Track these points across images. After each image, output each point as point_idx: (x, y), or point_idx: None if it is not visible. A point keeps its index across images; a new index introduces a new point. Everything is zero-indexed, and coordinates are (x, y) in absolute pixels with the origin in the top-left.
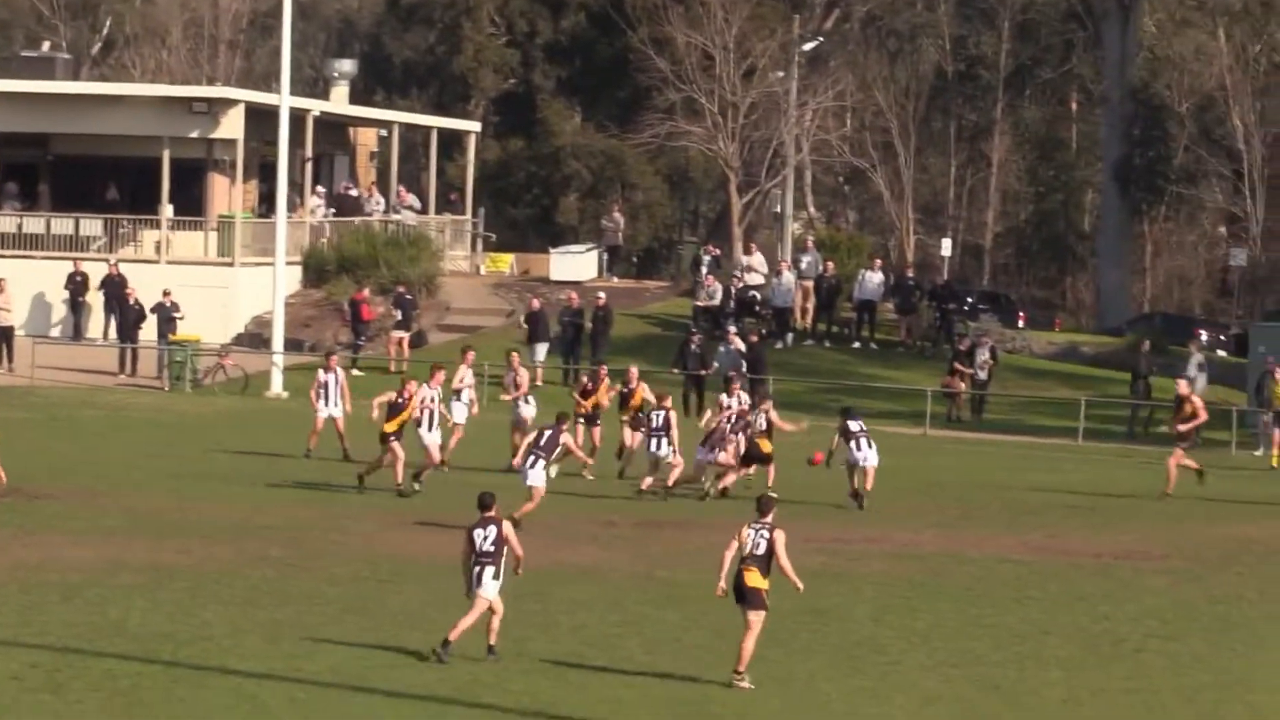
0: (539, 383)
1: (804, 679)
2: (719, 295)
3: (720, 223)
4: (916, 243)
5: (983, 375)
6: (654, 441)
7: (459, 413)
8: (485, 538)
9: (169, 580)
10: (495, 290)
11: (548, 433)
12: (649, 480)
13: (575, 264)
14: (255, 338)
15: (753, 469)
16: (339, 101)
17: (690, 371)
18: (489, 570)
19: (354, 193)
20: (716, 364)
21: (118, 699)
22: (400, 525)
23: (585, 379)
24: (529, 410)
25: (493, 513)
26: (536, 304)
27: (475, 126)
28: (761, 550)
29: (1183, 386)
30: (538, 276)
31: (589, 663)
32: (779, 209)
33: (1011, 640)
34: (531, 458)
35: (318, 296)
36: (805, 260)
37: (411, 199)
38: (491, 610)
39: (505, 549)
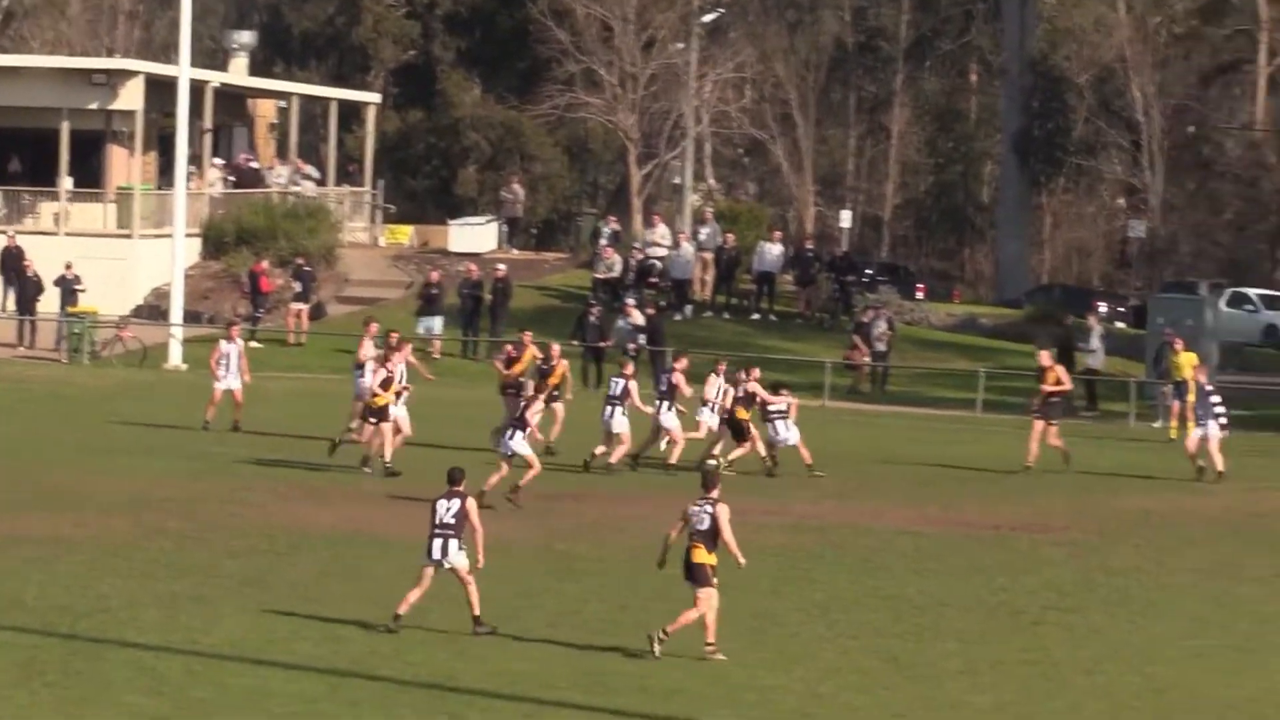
0: (436, 355)
1: (702, 650)
2: (618, 267)
3: (619, 194)
4: (816, 214)
5: (881, 347)
6: (609, 410)
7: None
8: (448, 509)
9: (66, 553)
10: (394, 262)
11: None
12: (600, 449)
13: (474, 236)
14: (154, 310)
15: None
16: (238, 73)
17: (589, 343)
18: (453, 542)
19: (254, 165)
20: (615, 336)
21: (14, 671)
22: (298, 498)
23: (510, 348)
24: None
25: (461, 487)
26: (435, 275)
27: (375, 98)
28: (705, 526)
29: (1044, 357)
30: (437, 248)
31: (490, 635)
32: (678, 180)
33: (910, 612)
34: (510, 429)
35: (216, 268)
36: (704, 232)
37: (310, 170)
38: (461, 581)
39: (465, 524)
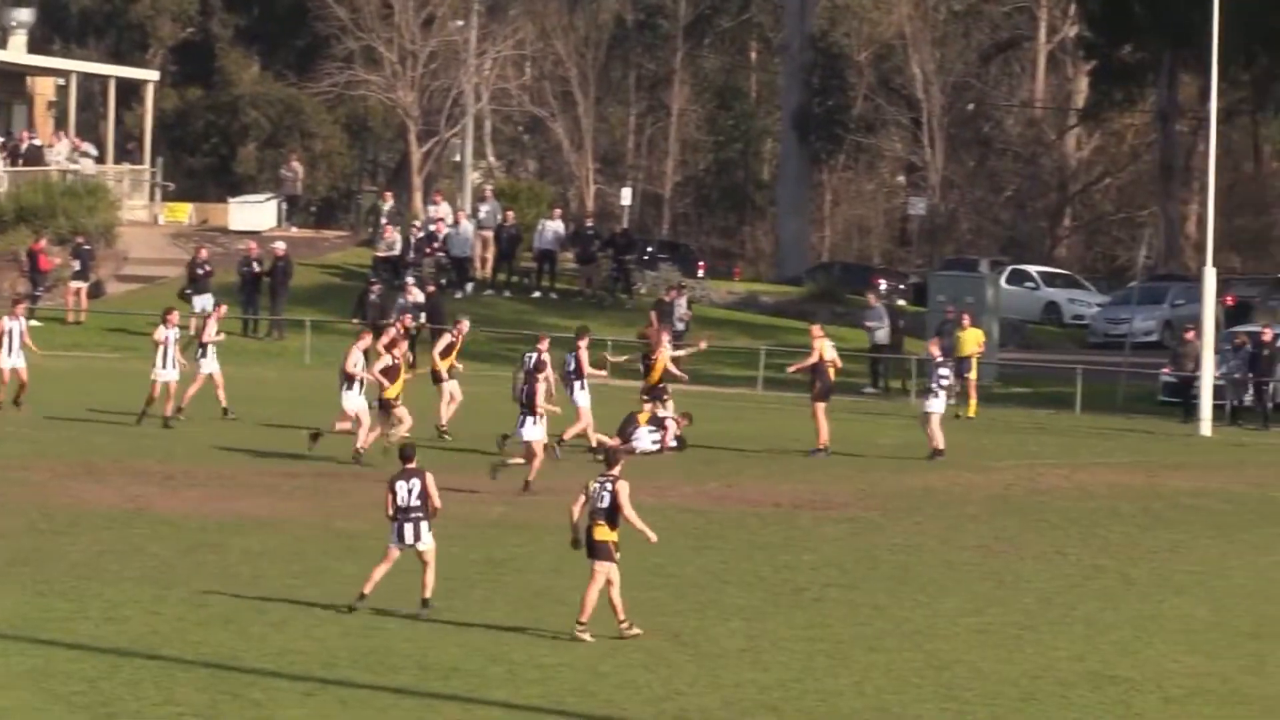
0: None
1: (483, 629)
2: (398, 245)
3: (400, 172)
4: (597, 192)
5: (680, 327)
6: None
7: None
8: (410, 490)
9: None
10: (174, 240)
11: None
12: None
13: (254, 214)
14: None
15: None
16: (16, 50)
17: (369, 321)
18: (423, 524)
19: (37, 142)
20: (395, 314)
21: None
22: (78, 477)
23: (449, 336)
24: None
25: (414, 464)
26: (204, 253)
27: (153, 75)
28: (605, 503)
29: (815, 330)
30: (216, 226)
31: (269, 614)
32: (458, 158)
33: (691, 589)
34: (520, 416)
35: None
36: (484, 210)
37: (88, 148)
38: (423, 562)
39: (428, 501)
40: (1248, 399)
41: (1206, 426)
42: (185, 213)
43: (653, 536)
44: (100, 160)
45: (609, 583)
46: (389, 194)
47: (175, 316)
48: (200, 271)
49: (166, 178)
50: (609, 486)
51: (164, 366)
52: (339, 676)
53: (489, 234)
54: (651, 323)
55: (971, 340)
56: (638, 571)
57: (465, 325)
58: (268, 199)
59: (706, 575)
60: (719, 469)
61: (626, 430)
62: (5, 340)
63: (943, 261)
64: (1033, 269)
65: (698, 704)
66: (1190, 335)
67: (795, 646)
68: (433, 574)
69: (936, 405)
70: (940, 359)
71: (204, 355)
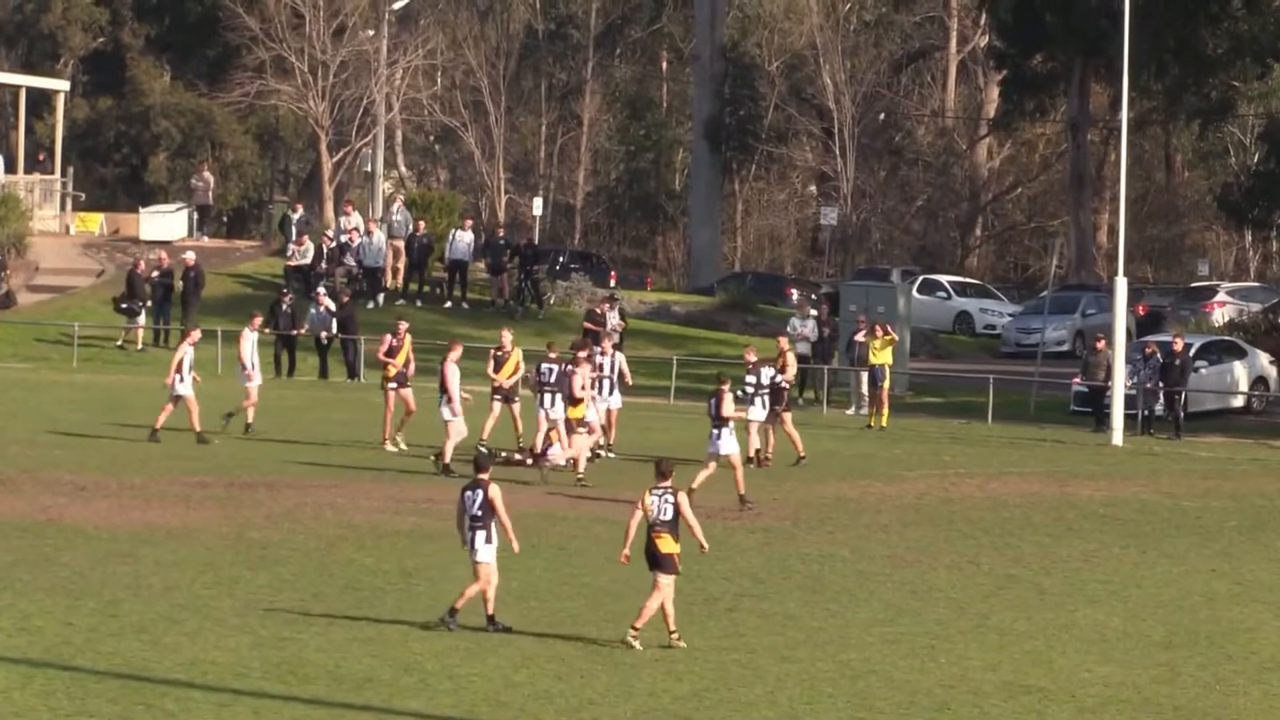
0: (139, 346)
1: (396, 640)
2: (310, 255)
3: (311, 182)
4: (508, 202)
5: (615, 338)
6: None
7: None
8: (474, 501)
9: None
10: (85, 250)
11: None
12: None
13: (165, 223)
14: None
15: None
16: None
17: (281, 331)
18: (480, 535)
19: None
20: (307, 324)
21: None
22: None
23: (390, 338)
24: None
25: (485, 476)
26: (142, 265)
27: (64, 85)
28: (670, 515)
29: (783, 342)
30: (128, 236)
31: (181, 625)
32: (370, 168)
33: (606, 599)
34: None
35: None
36: (394, 220)
37: None
38: (475, 575)
39: (493, 515)
40: (1158, 409)
41: (1119, 436)
42: (96, 223)
43: (705, 545)
44: (11, 170)
45: (665, 589)
46: (299, 204)
47: (196, 335)
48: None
49: (77, 188)
50: (669, 499)
51: (182, 382)
52: (252, 687)
53: (400, 244)
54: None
55: (884, 349)
56: (550, 581)
57: (404, 327)
58: (179, 209)
59: (620, 584)
60: (632, 479)
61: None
62: None
63: (854, 271)
64: (944, 279)
65: (610, 713)
66: (1101, 345)
67: (708, 656)
68: (477, 589)
69: (756, 413)
70: (753, 364)
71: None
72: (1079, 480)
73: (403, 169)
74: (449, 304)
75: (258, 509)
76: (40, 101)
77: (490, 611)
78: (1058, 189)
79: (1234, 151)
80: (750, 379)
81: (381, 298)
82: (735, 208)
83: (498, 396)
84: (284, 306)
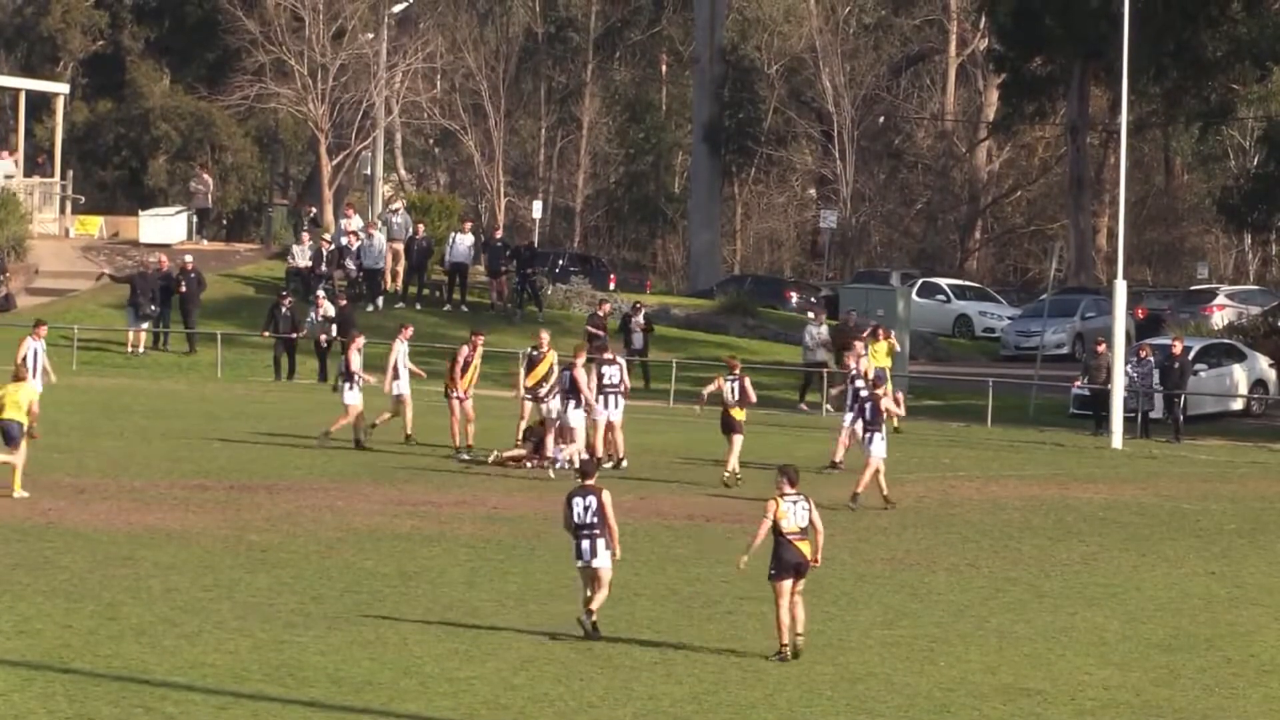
0: (142, 350)
1: (396, 642)
2: (310, 257)
3: (310, 185)
4: (508, 205)
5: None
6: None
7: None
8: (586, 508)
9: None
10: (84, 253)
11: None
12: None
13: (164, 227)
14: None
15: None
16: None
17: (281, 334)
18: (599, 541)
19: None
20: (306, 328)
21: None
22: None
23: (466, 349)
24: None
25: (592, 481)
26: (149, 268)
27: (63, 88)
28: (805, 522)
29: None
30: (127, 239)
31: (181, 627)
32: (369, 171)
33: (604, 602)
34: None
35: None
36: (394, 223)
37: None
38: (597, 581)
39: (604, 519)
40: (1153, 413)
41: (1118, 439)
42: (96, 226)
43: (819, 559)
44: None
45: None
46: (310, 207)
47: (360, 340)
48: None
49: (77, 191)
50: (805, 505)
51: (352, 389)
52: (252, 690)
53: (399, 246)
54: (591, 337)
55: (882, 352)
56: (549, 584)
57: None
58: (178, 212)
59: (619, 588)
60: (631, 481)
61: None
62: None
63: (854, 274)
64: (944, 282)
65: (610, 716)
66: (1103, 348)
67: (708, 659)
68: (604, 595)
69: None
70: (851, 372)
71: (351, 386)
72: (1078, 483)
73: (402, 172)
74: (448, 306)
75: (257, 512)
76: (40, 104)
77: (595, 618)
78: (1057, 192)
79: (1233, 154)
80: (860, 384)
81: (380, 300)
82: (735, 211)
83: (527, 397)
84: (283, 309)
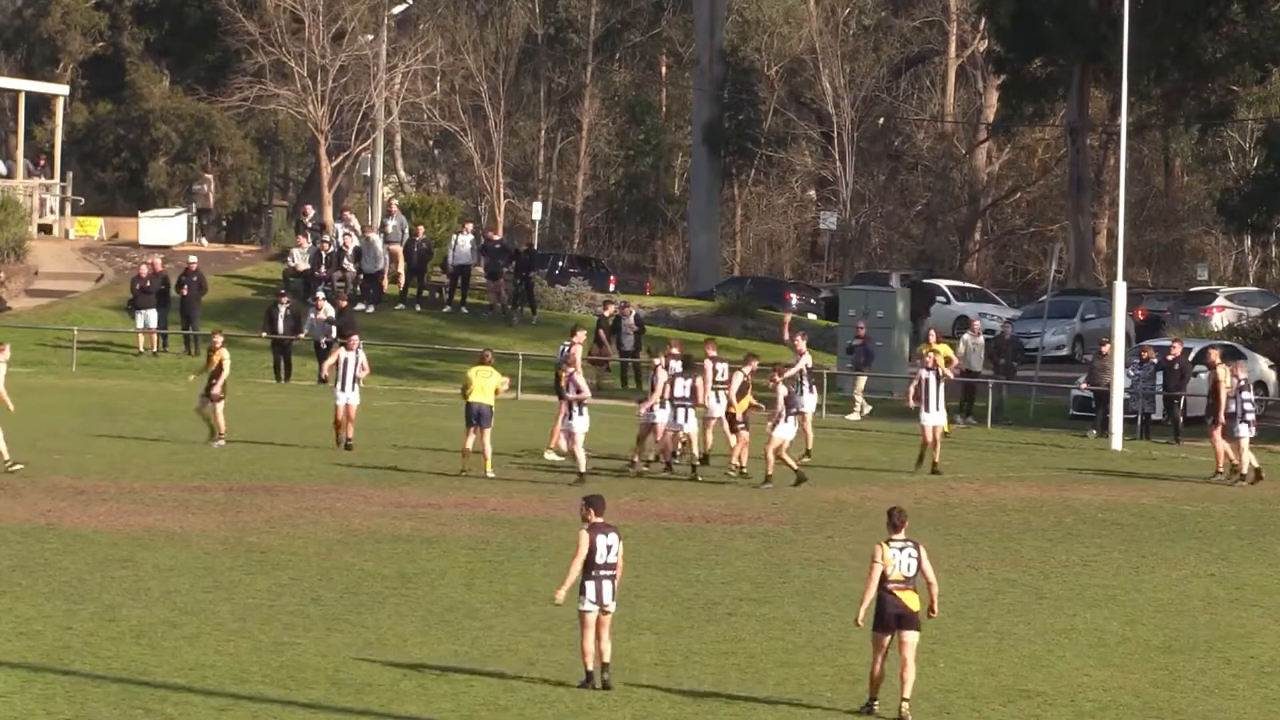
0: (154, 351)
1: (395, 644)
2: (309, 259)
3: (310, 186)
4: (508, 206)
5: (629, 345)
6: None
7: None
8: (609, 547)
9: None
10: (84, 255)
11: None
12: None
13: (164, 228)
14: None
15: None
16: None
17: (278, 336)
18: (613, 584)
19: None
20: (306, 329)
21: None
22: None
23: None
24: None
25: (602, 518)
26: (145, 270)
27: (62, 90)
28: (914, 571)
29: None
30: (127, 241)
31: (181, 629)
32: (369, 172)
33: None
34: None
35: None
36: (391, 224)
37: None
38: (601, 626)
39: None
40: (1154, 415)
41: (1118, 440)
42: (96, 227)
43: (936, 610)
44: (10, 175)
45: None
46: (308, 208)
47: (355, 340)
48: (146, 287)
49: (77, 192)
50: (914, 552)
51: (343, 389)
52: (251, 691)
53: (397, 248)
54: (602, 341)
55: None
56: (547, 586)
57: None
58: (178, 213)
59: (619, 589)
60: (631, 483)
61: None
62: None
63: (854, 276)
64: (944, 283)
65: (609, 718)
66: (1106, 349)
67: (708, 661)
68: (608, 639)
69: (938, 418)
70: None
71: (349, 388)
72: (1078, 484)
73: (402, 173)
74: (448, 308)
75: (257, 513)
76: (40, 106)
77: (607, 659)
78: (1057, 193)
79: (1233, 156)
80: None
81: (381, 302)
82: (734, 212)
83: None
84: (281, 311)
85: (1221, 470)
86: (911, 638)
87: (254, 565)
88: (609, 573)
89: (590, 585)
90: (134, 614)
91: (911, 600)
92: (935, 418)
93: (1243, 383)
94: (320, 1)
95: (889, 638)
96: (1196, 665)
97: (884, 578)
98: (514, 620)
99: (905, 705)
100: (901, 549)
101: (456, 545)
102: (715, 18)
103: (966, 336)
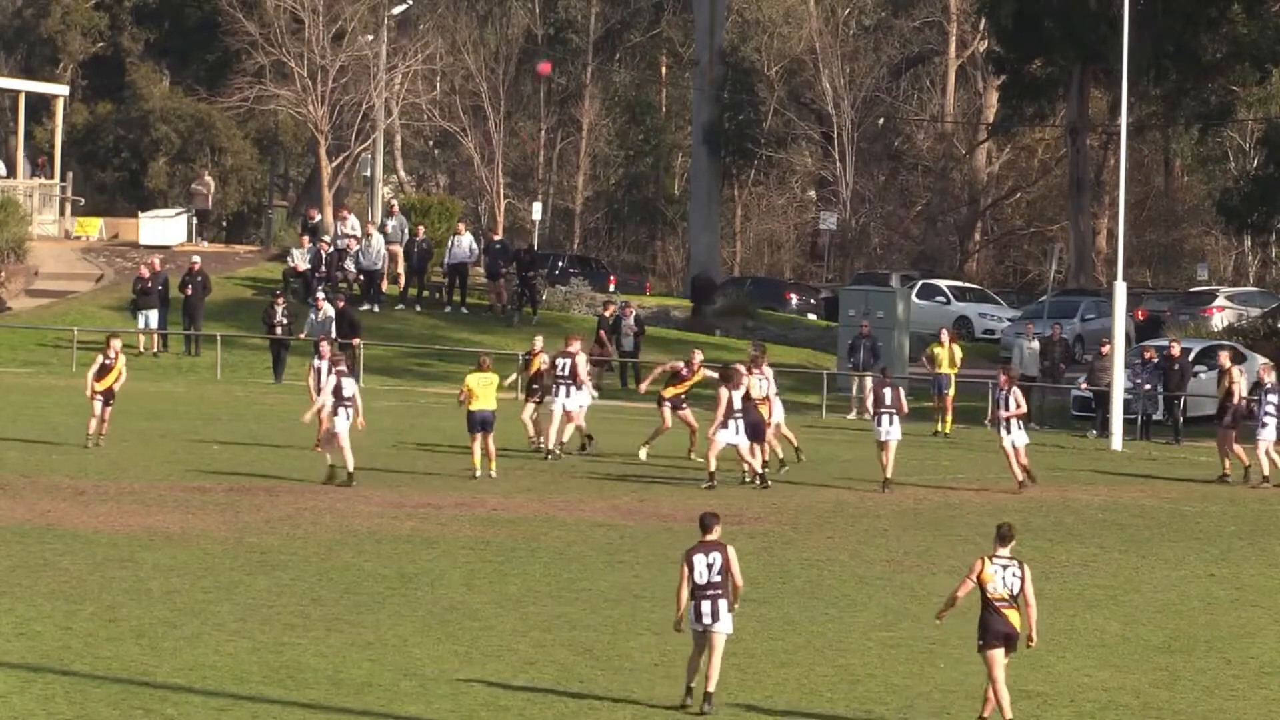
0: (154, 351)
1: (395, 644)
2: (309, 259)
3: (310, 187)
4: (508, 207)
5: (629, 345)
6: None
7: None
8: (710, 565)
9: None
10: (84, 255)
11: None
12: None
13: (164, 228)
14: None
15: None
16: None
17: (276, 336)
18: (722, 603)
19: None
20: (306, 329)
21: None
22: None
23: (682, 366)
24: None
25: (715, 536)
26: (146, 270)
27: (62, 90)
28: (1018, 589)
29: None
30: (127, 241)
31: (181, 629)
32: (369, 173)
33: (604, 604)
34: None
35: None
36: (390, 224)
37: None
38: (710, 646)
39: (729, 577)
40: (1156, 415)
41: (1118, 441)
42: (96, 227)
43: (1035, 638)
44: (9, 175)
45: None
46: (313, 210)
47: (326, 349)
48: (147, 287)
49: (77, 192)
50: (1018, 571)
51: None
52: (251, 692)
53: (397, 249)
54: (603, 342)
55: (947, 357)
56: (549, 586)
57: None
58: (178, 213)
59: (619, 590)
60: (631, 483)
61: None
62: None
63: (854, 276)
64: (944, 283)
65: (610, 717)
66: (1107, 349)
67: None
68: (719, 664)
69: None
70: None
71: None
72: (1078, 485)
73: (402, 174)
74: (448, 309)
75: (257, 514)
76: (40, 106)
77: (711, 688)
78: (1057, 194)
79: (1233, 156)
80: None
81: (381, 302)
82: (734, 212)
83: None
84: (278, 311)
85: (1229, 472)
86: (1007, 659)
87: (254, 565)
88: (713, 592)
89: (699, 605)
90: (134, 614)
91: (1015, 620)
92: (1019, 437)
93: (1269, 385)
94: (320, 2)
95: (999, 652)
96: (1196, 665)
97: (986, 595)
98: (514, 620)
99: None
100: (1005, 567)
101: (456, 545)
102: (715, 18)
103: (1021, 341)
